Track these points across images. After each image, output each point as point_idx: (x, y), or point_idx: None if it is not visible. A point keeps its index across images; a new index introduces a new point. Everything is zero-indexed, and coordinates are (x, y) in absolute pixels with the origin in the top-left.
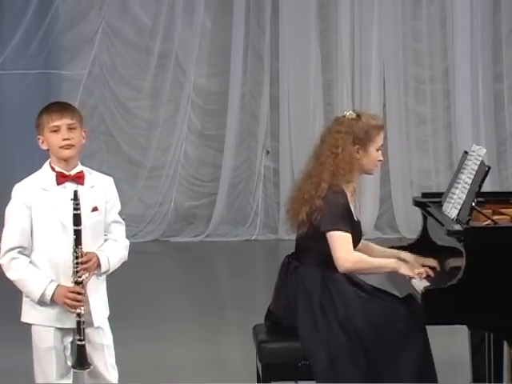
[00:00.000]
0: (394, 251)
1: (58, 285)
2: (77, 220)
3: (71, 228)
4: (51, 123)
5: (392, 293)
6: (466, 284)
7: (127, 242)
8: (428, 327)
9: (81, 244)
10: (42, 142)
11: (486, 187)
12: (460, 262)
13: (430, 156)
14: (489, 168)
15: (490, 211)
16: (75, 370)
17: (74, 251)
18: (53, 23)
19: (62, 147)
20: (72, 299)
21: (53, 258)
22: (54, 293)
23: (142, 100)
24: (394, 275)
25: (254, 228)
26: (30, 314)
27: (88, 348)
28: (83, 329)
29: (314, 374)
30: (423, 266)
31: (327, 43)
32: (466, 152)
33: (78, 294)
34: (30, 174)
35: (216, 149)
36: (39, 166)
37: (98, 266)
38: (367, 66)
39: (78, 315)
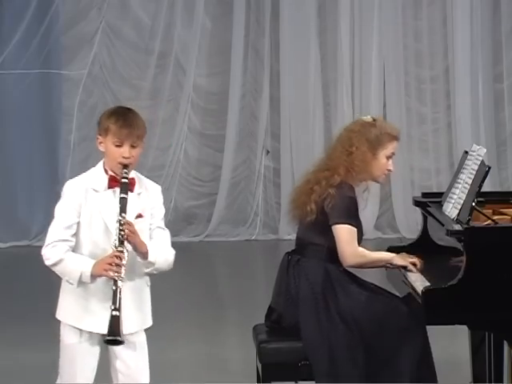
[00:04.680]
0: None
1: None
2: (125, 189)
3: (114, 231)
4: (116, 138)
5: (392, 292)
6: (466, 284)
7: (173, 251)
8: (428, 327)
9: (125, 212)
10: (100, 143)
11: (486, 187)
12: (460, 262)
13: (431, 156)
14: (489, 168)
15: (490, 211)
16: (107, 343)
17: (118, 218)
18: (53, 23)
19: (119, 163)
20: (110, 263)
21: (94, 258)
22: (92, 269)
23: (141, 100)
24: (393, 275)
25: (254, 228)
26: (59, 311)
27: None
28: (119, 298)
29: (314, 373)
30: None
31: (327, 43)
32: (467, 152)
33: (117, 258)
34: (29, 173)
35: (216, 149)
36: (39, 165)
37: (146, 253)
38: (367, 66)
39: (115, 282)
